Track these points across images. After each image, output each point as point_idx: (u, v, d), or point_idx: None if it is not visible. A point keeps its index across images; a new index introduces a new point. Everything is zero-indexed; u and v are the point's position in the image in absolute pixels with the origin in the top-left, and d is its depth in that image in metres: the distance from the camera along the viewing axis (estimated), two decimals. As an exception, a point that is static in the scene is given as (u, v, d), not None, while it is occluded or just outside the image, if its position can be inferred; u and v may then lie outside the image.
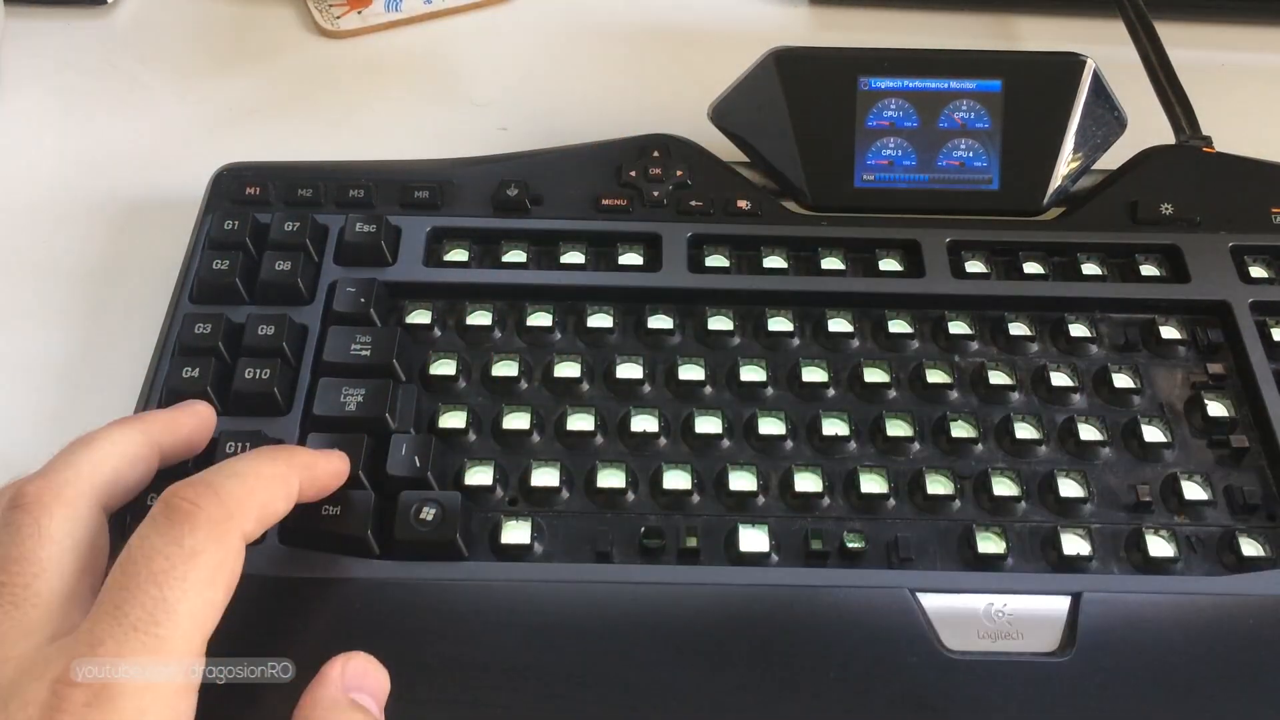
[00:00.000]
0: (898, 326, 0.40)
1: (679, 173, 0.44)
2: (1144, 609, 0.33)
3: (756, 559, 0.35)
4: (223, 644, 0.27)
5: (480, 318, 0.40)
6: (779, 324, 0.40)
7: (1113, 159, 0.45)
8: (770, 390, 0.39)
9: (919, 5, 0.58)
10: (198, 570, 0.26)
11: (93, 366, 0.42)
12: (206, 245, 0.41)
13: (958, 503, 0.36)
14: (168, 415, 0.33)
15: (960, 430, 0.38)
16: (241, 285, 0.40)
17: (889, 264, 0.42)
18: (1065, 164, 0.44)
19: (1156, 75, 0.50)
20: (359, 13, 0.56)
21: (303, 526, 0.34)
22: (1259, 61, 0.56)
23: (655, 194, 0.44)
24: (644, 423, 0.38)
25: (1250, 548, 0.35)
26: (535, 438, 0.37)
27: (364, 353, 0.38)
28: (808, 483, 0.36)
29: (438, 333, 0.40)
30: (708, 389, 0.39)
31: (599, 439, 0.37)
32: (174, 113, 0.52)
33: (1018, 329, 0.40)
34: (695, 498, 0.36)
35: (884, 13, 0.58)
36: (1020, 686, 0.32)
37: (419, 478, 0.35)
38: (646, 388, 0.39)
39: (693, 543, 0.35)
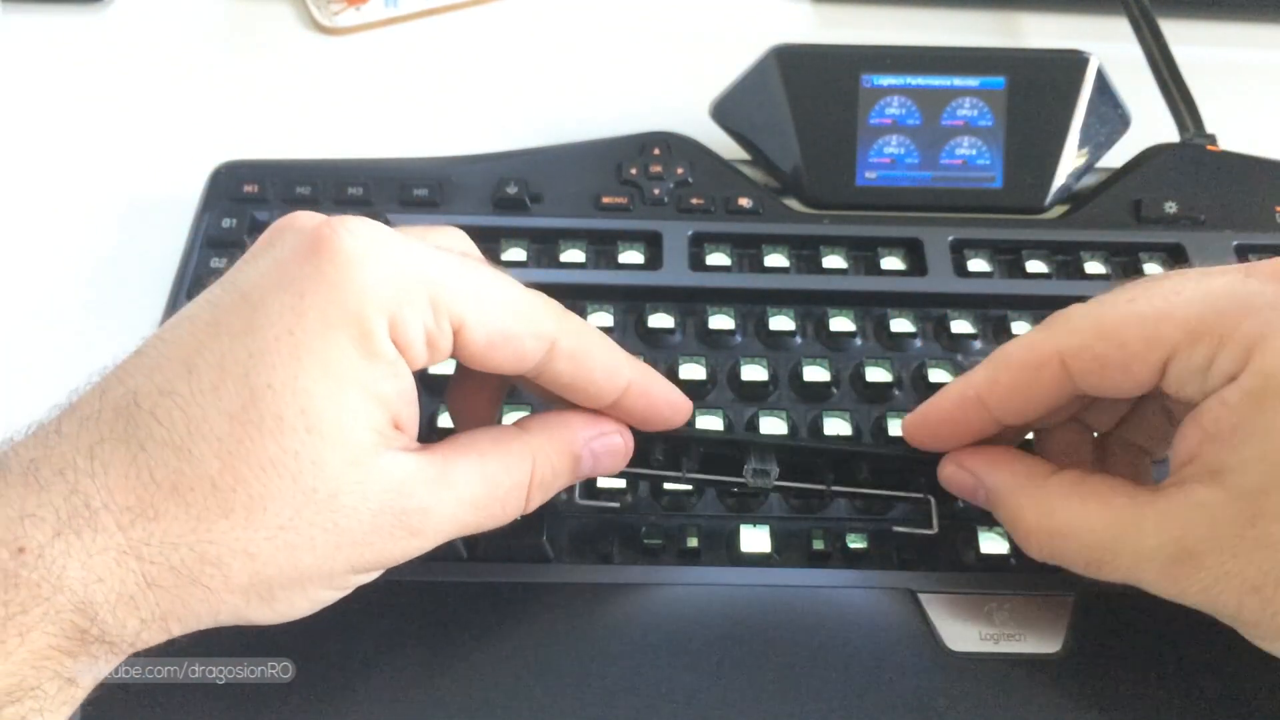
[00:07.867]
0: (900, 325, 0.40)
1: (680, 170, 0.44)
2: (1145, 610, 0.33)
3: (758, 559, 0.34)
4: (223, 644, 0.27)
5: (480, 316, 0.40)
6: (780, 323, 0.40)
7: (1116, 157, 0.45)
8: (772, 389, 0.39)
9: (921, 2, 0.58)
10: None
11: (90, 366, 0.42)
12: (204, 243, 0.41)
13: (961, 502, 0.36)
14: None
15: (963, 430, 0.37)
16: (239, 283, 0.40)
17: (891, 262, 0.42)
18: (1069, 162, 0.43)
19: (1160, 72, 0.49)
20: (357, 9, 0.55)
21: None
22: (1263, 59, 0.56)
23: (656, 192, 0.43)
24: (645, 422, 0.37)
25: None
26: (535, 437, 0.37)
27: (363, 351, 0.37)
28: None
29: (437, 331, 0.40)
30: (709, 388, 0.39)
31: (599, 438, 0.37)
32: (171, 109, 0.52)
33: (1021, 328, 0.40)
34: (696, 498, 0.36)
35: (886, 9, 0.57)
36: (1022, 687, 0.32)
37: (418, 478, 0.35)
38: (647, 387, 0.39)
39: (694, 543, 0.34)
